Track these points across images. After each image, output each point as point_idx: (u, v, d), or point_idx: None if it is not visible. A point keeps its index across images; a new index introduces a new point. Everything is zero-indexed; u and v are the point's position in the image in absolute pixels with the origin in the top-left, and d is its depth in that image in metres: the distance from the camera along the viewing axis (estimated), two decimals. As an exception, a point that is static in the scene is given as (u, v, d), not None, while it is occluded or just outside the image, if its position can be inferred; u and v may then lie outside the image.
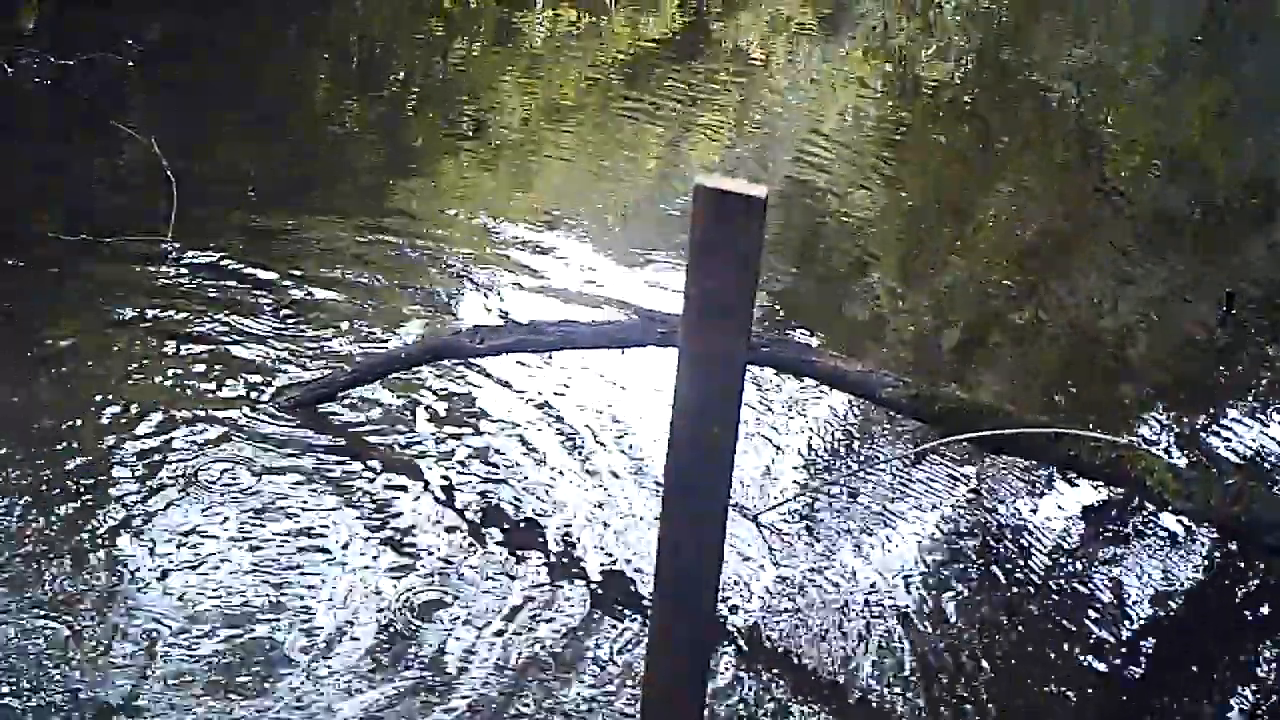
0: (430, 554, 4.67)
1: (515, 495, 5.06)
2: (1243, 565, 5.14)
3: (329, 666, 4.13)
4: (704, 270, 2.77)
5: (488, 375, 5.76)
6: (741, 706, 4.18)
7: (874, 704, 4.29)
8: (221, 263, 6.51)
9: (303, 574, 4.50)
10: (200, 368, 5.59)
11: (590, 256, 7.20)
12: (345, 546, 4.65)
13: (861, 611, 4.66)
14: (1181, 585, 4.99)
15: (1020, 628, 4.71)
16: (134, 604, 4.27)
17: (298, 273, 6.56)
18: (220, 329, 5.90)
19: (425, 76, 10.71)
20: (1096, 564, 5.05)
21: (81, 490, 4.74)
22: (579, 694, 4.15)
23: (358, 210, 7.46)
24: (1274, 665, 4.75)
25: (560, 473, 5.21)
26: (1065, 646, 4.63)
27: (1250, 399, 6.41)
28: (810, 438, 5.64)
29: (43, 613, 4.19)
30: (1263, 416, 6.26)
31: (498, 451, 5.30)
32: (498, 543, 4.77)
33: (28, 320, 5.79)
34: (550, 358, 5.80)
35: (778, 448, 5.53)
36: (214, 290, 6.25)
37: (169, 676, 4.01)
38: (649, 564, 4.21)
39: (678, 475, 2.98)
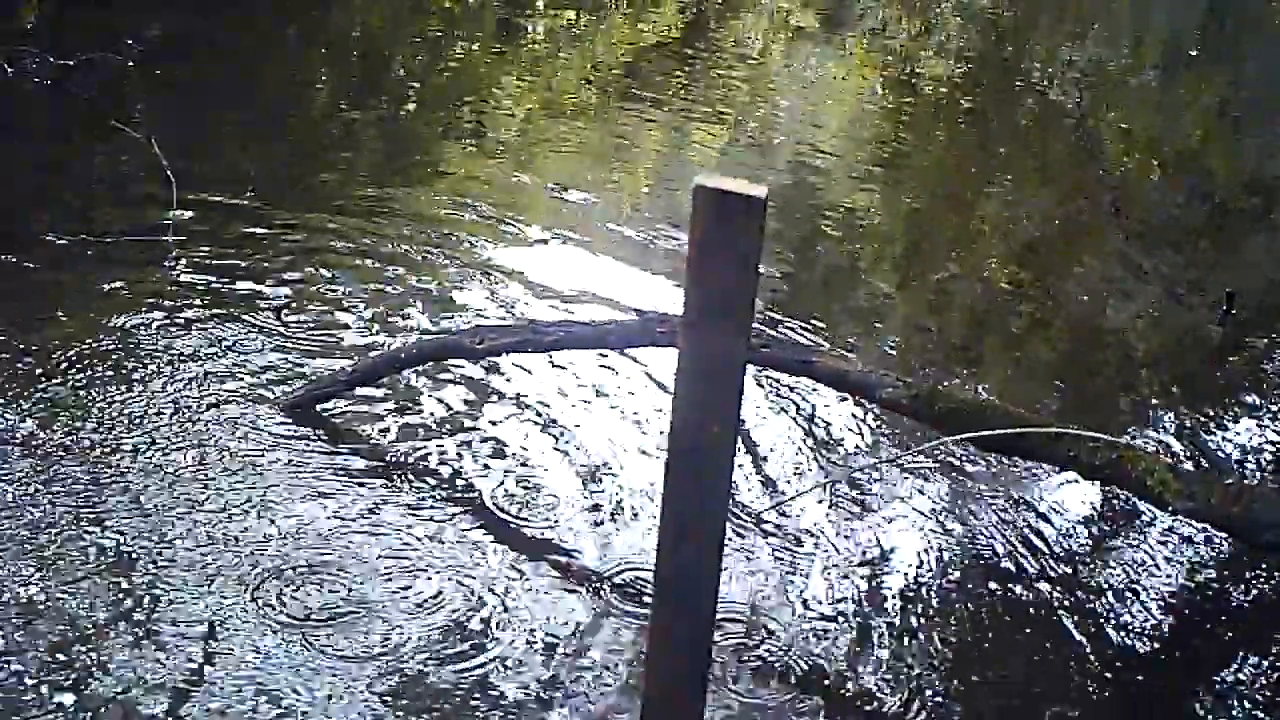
0: (430, 553, 4.67)
1: (515, 494, 5.05)
2: (1243, 564, 5.13)
3: (328, 666, 4.12)
4: (704, 270, 2.78)
5: (488, 375, 5.75)
6: (742, 706, 4.18)
7: (874, 704, 4.28)
8: (221, 262, 6.52)
9: (302, 573, 4.49)
10: (200, 368, 5.59)
11: (591, 256, 7.20)
12: (344, 546, 4.65)
13: (862, 611, 4.65)
14: (1182, 585, 4.99)
15: (1021, 627, 4.71)
16: (133, 605, 4.27)
17: (297, 272, 6.56)
18: (220, 329, 5.90)
19: (425, 76, 10.71)
20: (1097, 564, 5.05)
21: (81, 490, 4.73)
22: (579, 694, 4.14)
23: (358, 210, 7.46)
24: (1275, 665, 4.74)
25: (560, 472, 5.21)
26: (1066, 646, 4.63)
27: (1250, 399, 6.41)
28: (810, 438, 5.63)
29: (44, 612, 4.19)
30: (1263, 416, 6.26)
31: (497, 450, 5.30)
32: (498, 542, 4.77)
33: (28, 320, 5.79)
34: (551, 357, 5.80)
35: (778, 448, 5.53)
36: (214, 290, 6.25)
37: (158, 680, 4.01)
38: (649, 564, 4.21)
39: (678, 475, 2.98)
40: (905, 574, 4.88)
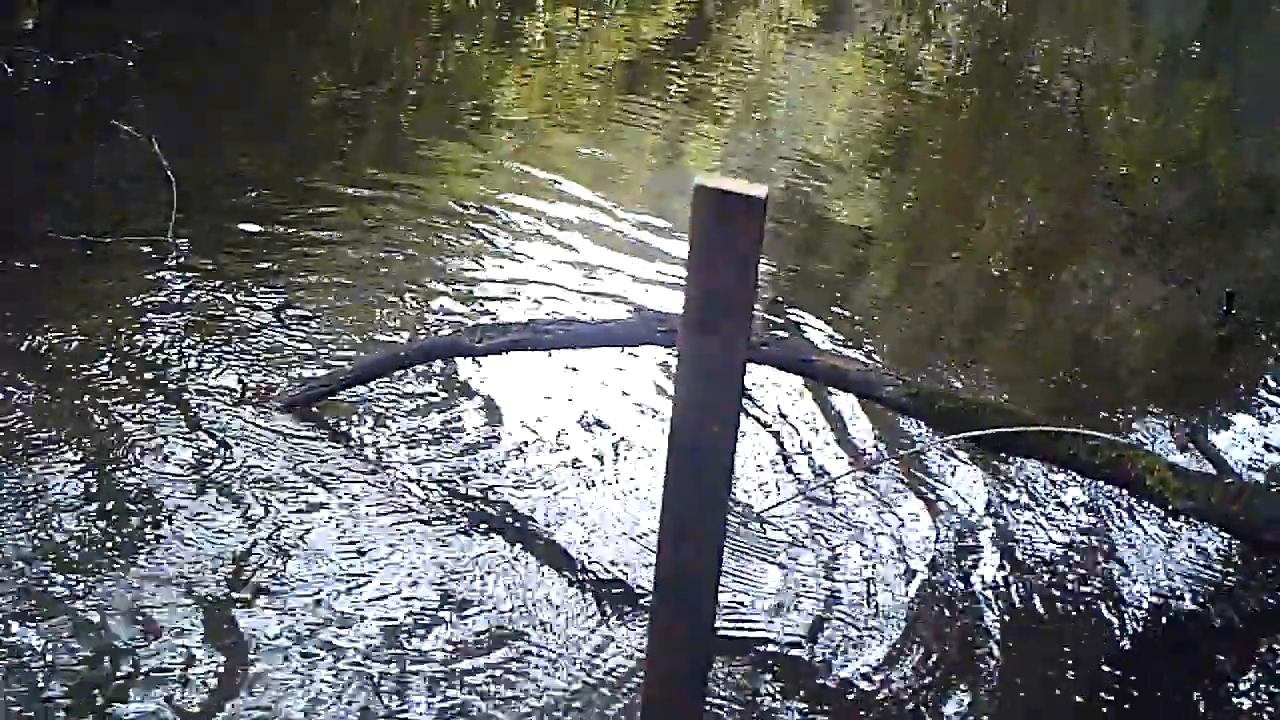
0: (429, 553, 4.67)
1: (514, 493, 5.05)
2: (1243, 564, 5.13)
3: (327, 667, 4.12)
4: (704, 270, 2.77)
5: (487, 374, 5.75)
6: (742, 707, 4.18)
7: (874, 703, 4.28)
8: (221, 262, 6.52)
9: (302, 572, 4.49)
10: (201, 367, 5.59)
11: (592, 256, 7.20)
12: (344, 546, 4.65)
13: (862, 611, 4.65)
14: (1181, 584, 4.99)
15: (1021, 627, 4.71)
16: (132, 604, 4.27)
17: (298, 271, 6.56)
18: (220, 328, 5.90)
19: (425, 76, 10.71)
20: (1097, 563, 5.05)
21: (81, 490, 4.73)
22: (579, 694, 4.14)
23: (358, 209, 7.46)
24: (1275, 664, 4.74)
25: (559, 471, 5.21)
26: (1066, 646, 4.63)
27: (1250, 398, 6.41)
28: (810, 437, 5.63)
29: (43, 612, 4.19)
30: (1263, 416, 6.26)
31: (497, 449, 5.30)
32: (497, 541, 4.77)
33: (28, 320, 5.79)
34: (551, 356, 5.80)
35: (778, 447, 5.53)
36: (214, 289, 6.25)
37: (160, 686, 4.01)
38: (649, 564, 4.21)
39: (678, 475, 2.98)
40: (905, 573, 4.88)
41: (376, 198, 7.67)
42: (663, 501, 3.03)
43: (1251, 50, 15.12)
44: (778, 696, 4.25)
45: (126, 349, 5.67)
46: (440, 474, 5.13)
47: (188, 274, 6.37)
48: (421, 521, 4.84)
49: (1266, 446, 5.97)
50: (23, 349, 5.57)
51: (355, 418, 5.40)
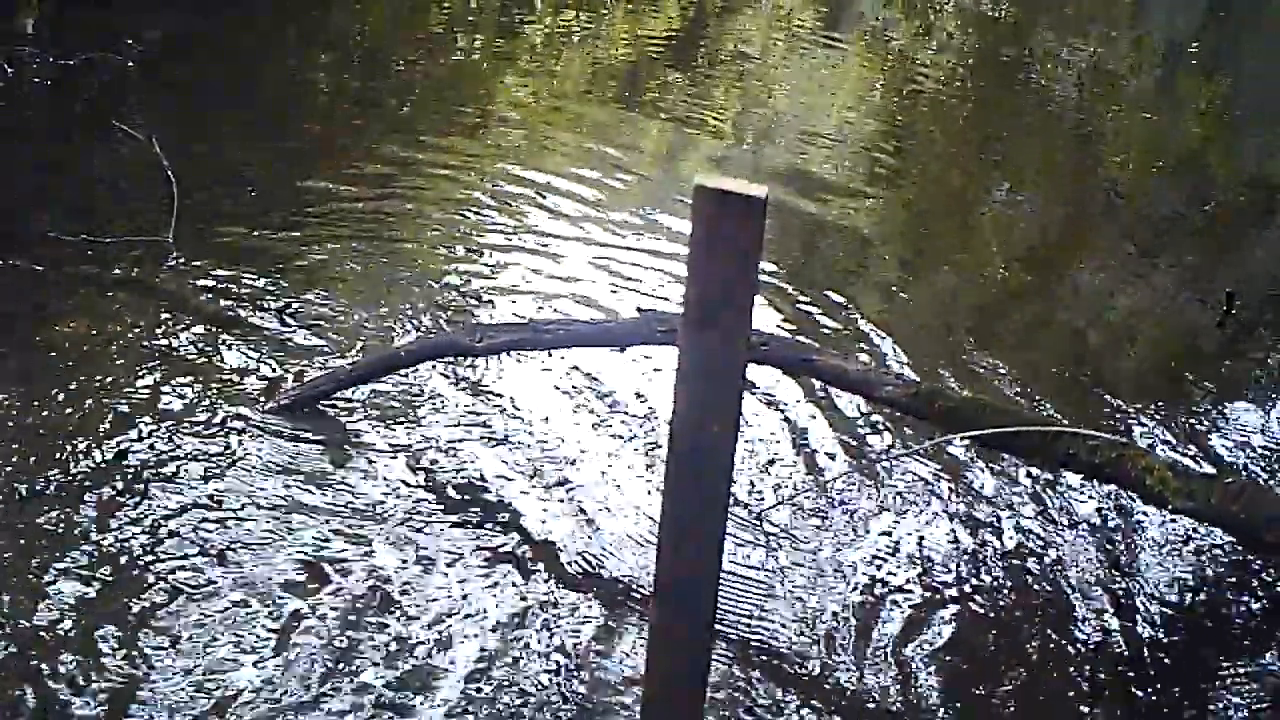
0: (428, 553, 4.67)
1: (514, 493, 5.05)
2: (1243, 564, 5.13)
3: (327, 670, 4.12)
4: (704, 270, 2.78)
5: (487, 373, 5.76)
6: (742, 706, 4.18)
7: (875, 704, 4.29)
8: (222, 261, 6.52)
9: (302, 572, 4.49)
10: (201, 366, 5.59)
11: (592, 255, 7.20)
12: (344, 546, 4.65)
13: (863, 611, 4.65)
14: (1181, 584, 4.99)
15: (1022, 627, 4.71)
16: (131, 606, 4.27)
17: (298, 271, 6.57)
18: (221, 328, 5.90)
19: (425, 76, 10.71)
20: (1096, 563, 5.05)
21: (81, 490, 4.74)
22: (579, 694, 4.14)
23: (358, 209, 7.47)
24: (1275, 664, 4.74)
25: (556, 469, 5.21)
26: (1067, 646, 4.63)
27: (1250, 398, 6.42)
28: (810, 436, 5.63)
29: (43, 611, 4.19)
30: (1262, 415, 6.26)
31: (494, 447, 5.30)
32: (497, 541, 4.77)
33: (28, 320, 5.79)
34: (550, 355, 5.80)
35: (778, 447, 5.53)
36: (215, 289, 6.26)
37: (164, 680, 4.01)
38: (649, 564, 4.21)
39: (678, 475, 2.98)
40: (904, 573, 4.88)
41: (377, 197, 7.67)
42: (663, 501, 3.03)
43: (1251, 50, 15.13)
44: (777, 696, 4.25)
45: (127, 349, 5.67)
46: (440, 473, 5.12)
47: (188, 274, 6.37)
48: (420, 521, 4.83)
49: (1266, 446, 5.97)
50: (23, 348, 5.56)
51: (355, 418, 5.39)
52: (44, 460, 4.89)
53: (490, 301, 6.56)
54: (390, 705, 4.02)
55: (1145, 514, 5.24)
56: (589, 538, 4.87)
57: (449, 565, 4.62)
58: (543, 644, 4.32)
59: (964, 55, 13.73)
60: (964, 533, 5.14)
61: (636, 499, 5.08)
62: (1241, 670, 4.66)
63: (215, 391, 5.42)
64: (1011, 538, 5.14)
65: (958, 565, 4.97)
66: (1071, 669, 4.53)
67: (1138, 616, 4.80)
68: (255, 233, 6.93)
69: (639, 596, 4.54)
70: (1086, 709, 4.39)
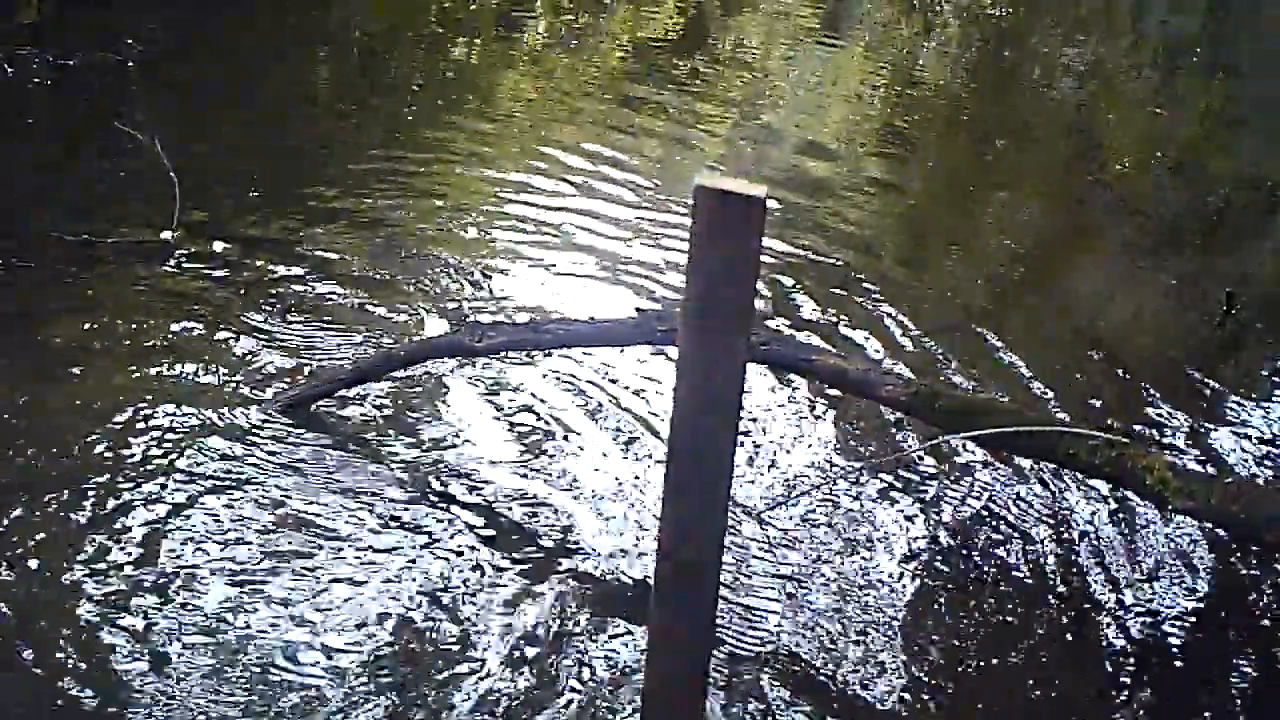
0: (428, 553, 4.67)
1: (513, 493, 5.05)
2: (1243, 564, 5.13)
3: (328, 668, 4.12)
4: (704, 270, 2.78)
5: (487, 373, 5.76)
6: (741, 706, 4.18)
7: (875, 704, 4.29)
8: (223, 261, 6.52)
9: (302, 571, 4.49)
10: (201, 366, 5.59)
11: (592, 255, 7.21)
12: (344, 545, 4.65)
13: (863, 611, 4.65)
14: (1181, 584, 4.99)
15: (1022, 627, 4.71)
16: (131, 605, 4.27)
17: (299, 271, 6.57)
18: (221, 327, 5.90)
19: (425, 75, 10.71)
20: (1096, 563, 5.05)
21: (82, 490, 4.74)
22: (580, 694, 4.14)
23: (358, 208, 7.47)
24: (1276, 665, 4.74)
25: (558, 470, 5.21)
26: (1067, 646, 4.63)
27: (1250, 398, 6.41)
28: (810, 436, 5.63)
29: (42, 611, 4.19)
30: (1262, 415, 6.26)
31: (495, 447, 5.30)
32: (497, 541, 4.77)
33: (28, 320, 5.79)
34: (551, 355, 5.80)
35: (778, 446, 5.53)
36: (215, 289, 6.26)
37: (165, 680, 4.01)
38: (649, 564, 4.21)
39: (678, 475, 2.98)
40: (906, 573, 4.88)
41: (377, 196, 7.67)
42: (663, 501, 3.04)
43: (1251, 50, 15.13)
44: (777, 697, 4.25)
45: (127, 349, 5.67)
46: (440, 473, 5.13)
47: (189, 274, 6.38)
48: (420, 520, 4.83)
49: (1266, 446, 5.97)
50: (23, 348, 5.56)
51: (355, 418, 5.40)
52: (44, 460, 4.89)
53: (491, 300, 6.55)
54: (390, 704, 4.02)
55: (1144, 513, 5.24)
56: (589, 538, 4.86)
57: (448, 564, 4.62)
58: (541, 644, 4.31)
59: (964, 55, 13.73)
60: (964, 533, 5.14)
61: (636, 499, 5.08)
62: (1242, 671, 4.66)
63: (216, 392, 5.42)
64: (1012, 538, 5.14)
65: (958, 565, 4.97)
66: (1072, 669, 4.53)
67: (1140, 617, 4.79)
68: (256, 232, 6.93)
69: (639, 596, 4.53)
70: (1086, 710, 4.39)
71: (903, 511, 5.23)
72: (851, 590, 4.76)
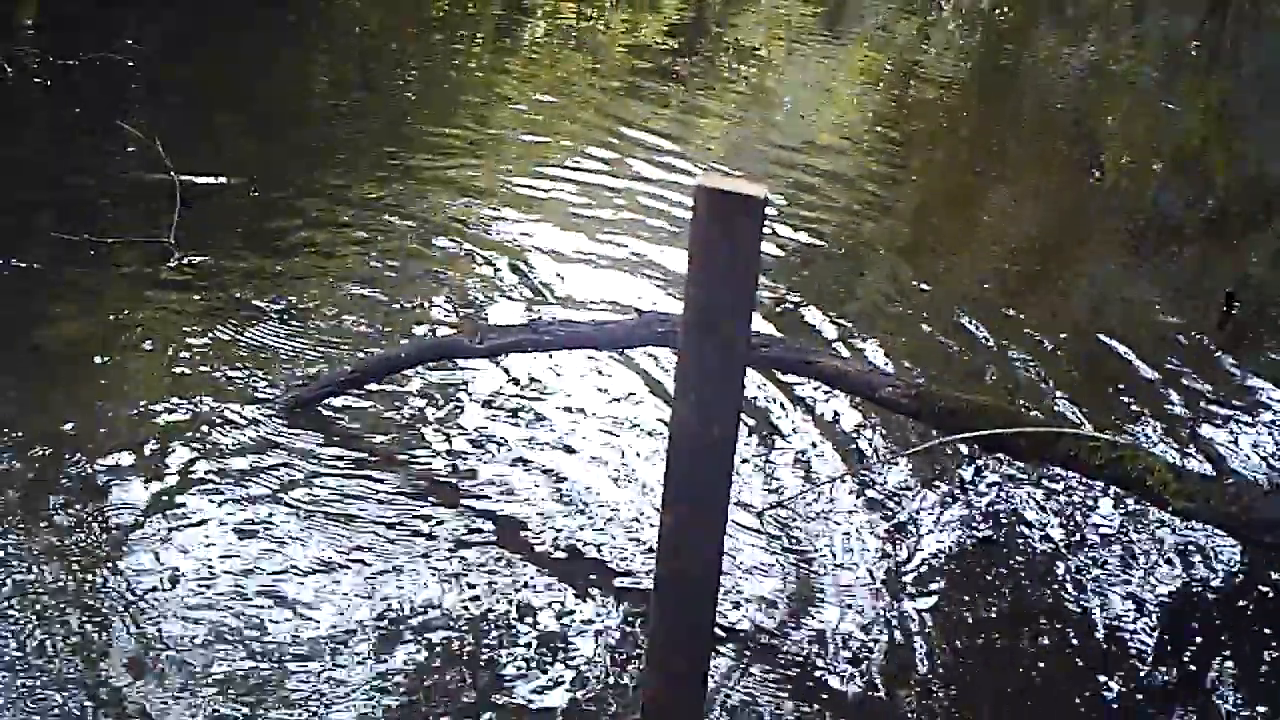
0: (427, 551, 4.67)
1: (513, 494, 5.05)
2: (1243, 564, 5.13)
3: (329, 667, 4.12)
4: (704, 270, 2.78)
5: (488, 373, 5.76)
6: (742, 706, 4.18)
7: (875, 704, 4.28)
8: (223, 262, 6.52)
9: (302, 571, 4.49)
10: (201, 367, 5.59)
11: (593, 256, 7.21)
12: (343, 545, 4.65)
13: (863, 610, 4.65)
14: (1181, 585, 4.99)
15: (1022, 628, 4.71)
16: (131, 605, 4.27)
17: (300, 271, 6.57)
18: (221, 328, 5.90)
19: (426, 75, 10.71)
20: (1096, 563, 5.05)
21: (82, 490, 4.74)
22: (580, 694, 4.14)
23: (359, 209, 7.47)
24: (1276, 665, 4.74)
25: (558, 470, 5.21)
26: (1066, 646, 4.63)
27: (1250, 398, 6.41)
28: (811, 437, 5.63)
29: (42, 609, 4.19)
30: (1263, 416, 6.26)
31: (496, 448, 5.30)
32: (496, 541, 4.77)
33: (28, 320, 5.79)
34: (551, 357, 5.80)
35: (778, 447, 5.53)
36: (215, 289, 6.26)
37: (166, 677, 4.01)
38: (649, 564, 4.21)
39: (678, 475, 2.98)
40: (906, 573, 4.88)
41: (378, 196, 7.68)
42: (663, 501, 3.04)
43: (1251, 50, 15.14)
44: (777, 697, 4.25)
45: (128, 349, 5.67)
46: (440, 473, 5.12)
47: (189, 274, 6.38)
48: (420, 521, 4.83)
49: (1267, 446, 5.97)
50: (23, 349, 5.56)
51: (355, 418, 5.40)
52: (45, 461, 4.88)
53: (491, 301, 6.55)
54: (391, 702, 4.02)
55: (1144, 514, 5.24)
56: (589, 537, 4.86)
57: (448, 564, 4.62)
58: (542, 644, 4.31)
59: (964, 55, 13.73)
60: (964, 534, 5.14)
61: (636, 499, 5.08)
62: (1242, 671, 4.66)
63: (216, 392, 5.42)
64: (1012, 538, 5.14)
65: (958, 565, 4.97)
66: (1073, 669, 4.53)
67: (1137, 618, 4.79)
68: (257, 232, 6.93)
69: (639, 596, 4.53)
70: (1086, 710, 4.39)
71: (903, 513, 5.22)
72: (851, 590, 4.75)
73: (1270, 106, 12.23)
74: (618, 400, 5.72)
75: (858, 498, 5.28)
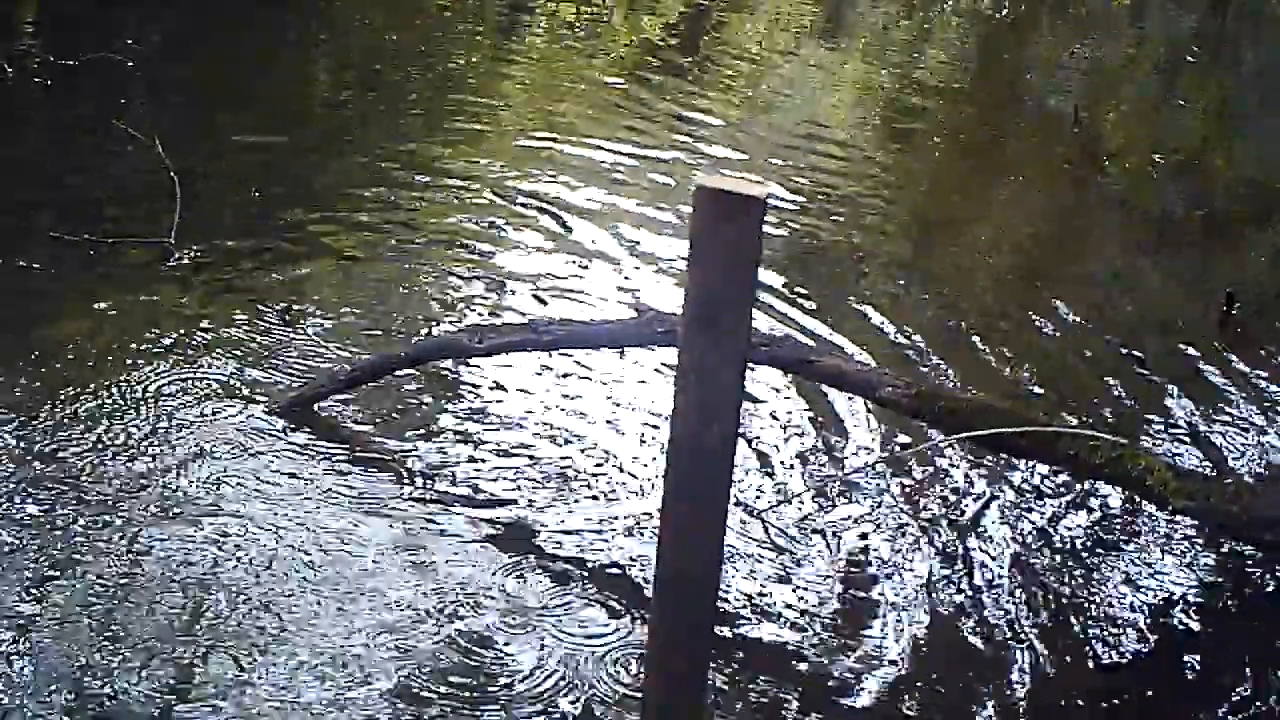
0: (428, 552, 4.67)
1: (514, 491, 5.05)
2: (1243, 564, 5.13)
3: (329, 667, 4.12)
4: (704, 270, 2.78)
5: (486, 373, 5.76)
6: (742, 706, 4.18)
7: (875, 704, 4.28)
8: (224, 262, 6.52)
9: (303, 571, 4.49)
10: (201, 367, 5.59)
11: (593, 256, 7.20)
12: (343, 545, 4.65)
13: (863, 610, 4.65)
14: (1181, 585, 4.99)
15: (1024, 629, 4.71)
16: (132, 605, 4.27)
17: (299, 271, 6.57)
18: (221, 328, 5.90)
19: (427, 74, 10.71)
20: (1096, 563, 5.05)
21: (82, 490, 4.73)
22: (580, 694, 4.14)
23: (359, 208, 7.47)
24: (1276, 665, 4.74)
25: (557, 470, 5.21)
26: (1067, 646, 4.63)
27: (1250, 398, 6.41)
28: (810, 437, 5.63)
29: (40, 609, 4.19)
30: (1263, 416, 6.26)
31: (495, 448, 5.30)
32: (496, 542, 4.77)
33: (28, 320, 5.79)
34: (551, 356, 5.80)
35: (778, 447, 5.53)
36: (215, 289, 6.26)
37: (166, 676, 4.01)
38: (649, 564, 4.21)
39: (678, 475, 2.98)
40: (905, 574, 4.88)
41: (379, 196, 7.68)
42: (663, 501, 3.04)
43: (1251, 50, 15.14)
44: (778, 697, 4.25)
45: (128, 349, 5.67)
46: (440, 473, 5.12)
47: (190, 274, 6.38)
48: (419, 519, 4.83)
49: (1267, 446, 5.97)
50: (23, 349, 5.56)
51: (355, 418, 5.39)
52: (45, 461, 4.88)
53: (491, 301, 6.55)
54: (390, 702, 4.01)
55: (1144, 513, 5.24)
56: (589, 537, 4.86)
57: (448, 563, 4.62)
58: (542, 644, 4.31)
59: (964, 55, 13.73)
60: (964, 534, 5.14)
61: (637, 499, 5.08)
62: (1242, 671, 4.66)
63: (216, 392, 5.42)
64: (1012, 538, 5.14)
65: (958, 566, 4.97)
66: (1073, 669, 4.53)
67: (1138, 618, 4.79)
68: (257, 232, 6.93)
69: (638, 596, 4.53)
70: (1086, 711, 4.39)
71: (902, 512, 5.22)
72: (852, 590, 4.75)
73: (1270, 107, 12.23)
74: (618, 400, 5.72)
75: (857, 498, 5.27)
